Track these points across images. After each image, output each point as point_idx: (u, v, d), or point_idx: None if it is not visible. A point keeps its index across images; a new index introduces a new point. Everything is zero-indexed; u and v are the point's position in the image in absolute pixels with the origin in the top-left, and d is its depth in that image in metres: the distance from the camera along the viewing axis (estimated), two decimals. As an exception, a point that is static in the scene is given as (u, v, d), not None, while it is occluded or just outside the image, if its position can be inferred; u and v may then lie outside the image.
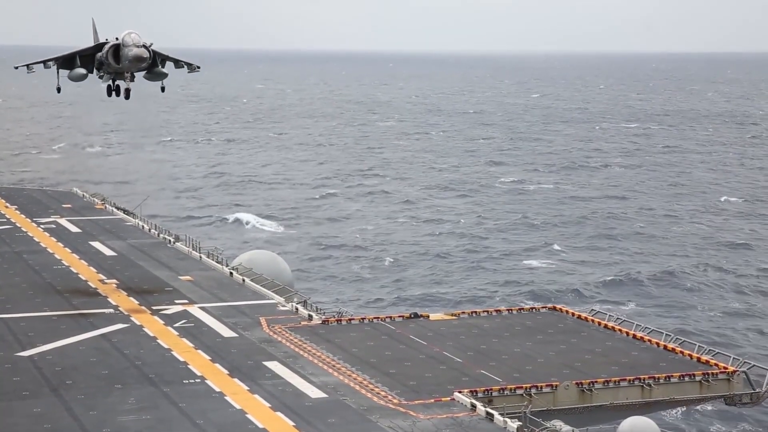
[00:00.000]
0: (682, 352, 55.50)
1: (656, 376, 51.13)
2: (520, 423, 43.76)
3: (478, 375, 51.47)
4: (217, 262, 77.26)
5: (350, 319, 62.68)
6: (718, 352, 55.19)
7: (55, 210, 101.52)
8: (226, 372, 51.63)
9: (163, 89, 70.89)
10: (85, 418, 45.02)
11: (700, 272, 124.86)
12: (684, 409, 70.12)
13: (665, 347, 56.65)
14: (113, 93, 70.41)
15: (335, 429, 44.10)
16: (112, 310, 63.93)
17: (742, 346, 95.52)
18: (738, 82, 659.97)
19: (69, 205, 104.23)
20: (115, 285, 70.63)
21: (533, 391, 48.72)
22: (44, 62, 69.16)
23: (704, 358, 54.22)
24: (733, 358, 54.08)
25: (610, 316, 63.28)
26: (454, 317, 64.20)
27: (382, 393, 48.57)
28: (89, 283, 71.02)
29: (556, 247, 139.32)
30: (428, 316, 63.90)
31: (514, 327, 61.52)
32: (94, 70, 69.53)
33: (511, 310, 66.75)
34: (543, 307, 67.05)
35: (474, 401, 46.44)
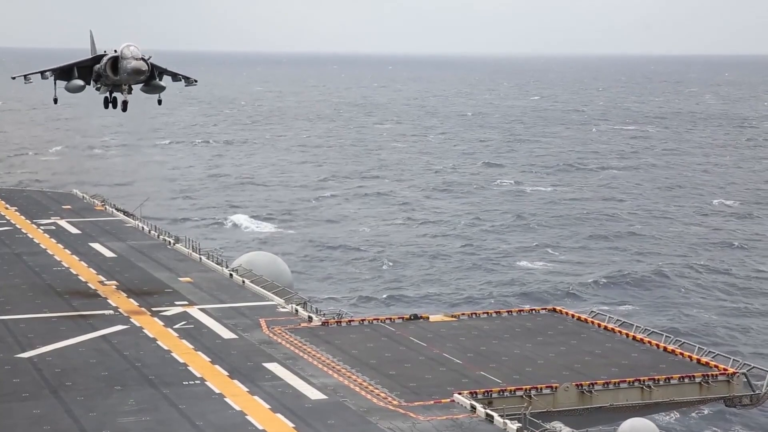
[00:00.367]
0: (681, 354, 55.56)
1: (656, 377, 51.19)
2: (520, 424, 43.78)
3: (477, 376, 51.51)
4: (217, 264, 77.31)
5: (350, 321, 62.74)
6: (717, 354, 55.20)
7: (55, 211, 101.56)
8: (225, 373, 51.67)
9: (160, 102, 70.80)
10: (84, 420, 45.05)
11: (697, 273, 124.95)
12: (684, 410, 70.08)
13: (665, 349, 56.72)
14: (110, 105, 70.42)
15: (335, 430, 44.15)
16: (111, 312, 63.97)
17: (742, 347, 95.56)
18: (736, 85, 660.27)
19: (69, 207, 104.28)
20: (114, 286, 70.67)
21: (533, 392, 48.79)
22: (42, 73, 69.10)
23: (704, 359, 54.26)
24: (733, 359, 54.15)
25: (609, 317, 63.32)
26: (453, 319, 64.25)
27: (382, 394, 48.61)
28: (89, 285, 71.06)
29: (553, 248, 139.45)
30: (428, 318, 63.96)
31: (513, 328, 61.58)
32: (92, 82, 69.47)
33: (511, 311, 66.85)
34: (543, 309, 67.17)
35: (474, 403, 46.50)
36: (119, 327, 60.42)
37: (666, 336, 58.60)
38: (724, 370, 52.63)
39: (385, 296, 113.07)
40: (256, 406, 46.81)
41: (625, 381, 50.67)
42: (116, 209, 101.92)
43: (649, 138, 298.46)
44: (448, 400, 47.54)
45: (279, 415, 45.59)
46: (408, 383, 50.30)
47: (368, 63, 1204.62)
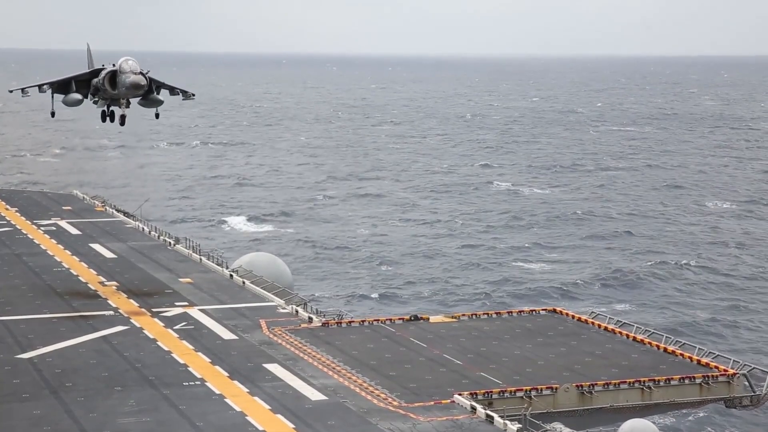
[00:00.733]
0: (682, 355, 55.55)
1: (656, 378, 51.18)
2: (520, 425, 43.80)
3: (478, 377, 51.50)
4: (218, 265, 77.32)
5: (350, 322, 62.70)
6: (718, 355, 55.17)
7: (56, 212, 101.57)
8: (226, 374, 51.68)
9: (157, 116, 70.13)
10: (84, 421, 45.06)
11: (696, 274, 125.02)
12: (684, 411, 70.10)
13: (665, 350, 56.71)
14: (108, 119, 70.22)
15: (335, 431, 44.13)
16: (112, 313, 63.98)
17: (742, 348, 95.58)
18: (735, 86, 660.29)
19: (69, 208, 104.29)
20: (115, 287, 70.68)
21: (533, 393, 48.78)
22: (39, 86, 69.10)
23: (704, 360, 54.24)
24: (733, 360, 54.11)
25: (610, 318, 63.30)
26: (453, 319, 64.25)
27: (382, 395, 48.61)
28: (89, 286, 71.07)
29: (550, 248, 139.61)
30: (428, 319, 63.95)
31: (514, 329, 61.58)
32: (89, 96, 69.29)
33: (511, 312, 66.82)
34: (543, 310, 67.12)
35: (474, 403, 46.50)
36: (119, 328, 60.43)
37: (666, 337, 58.59)
38: (725, 371, 52.61)
39: (383, 296, 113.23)
40: (257, 407, 46.81)
41: (626, 382, 50.65)
42: (116, 210, 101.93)
43: (648, 138, 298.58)
44: (449, 400, 47.54)
45: (279, 416, 45.60)
46: (408, 384, 50.30)
47: (368, 64, 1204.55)
